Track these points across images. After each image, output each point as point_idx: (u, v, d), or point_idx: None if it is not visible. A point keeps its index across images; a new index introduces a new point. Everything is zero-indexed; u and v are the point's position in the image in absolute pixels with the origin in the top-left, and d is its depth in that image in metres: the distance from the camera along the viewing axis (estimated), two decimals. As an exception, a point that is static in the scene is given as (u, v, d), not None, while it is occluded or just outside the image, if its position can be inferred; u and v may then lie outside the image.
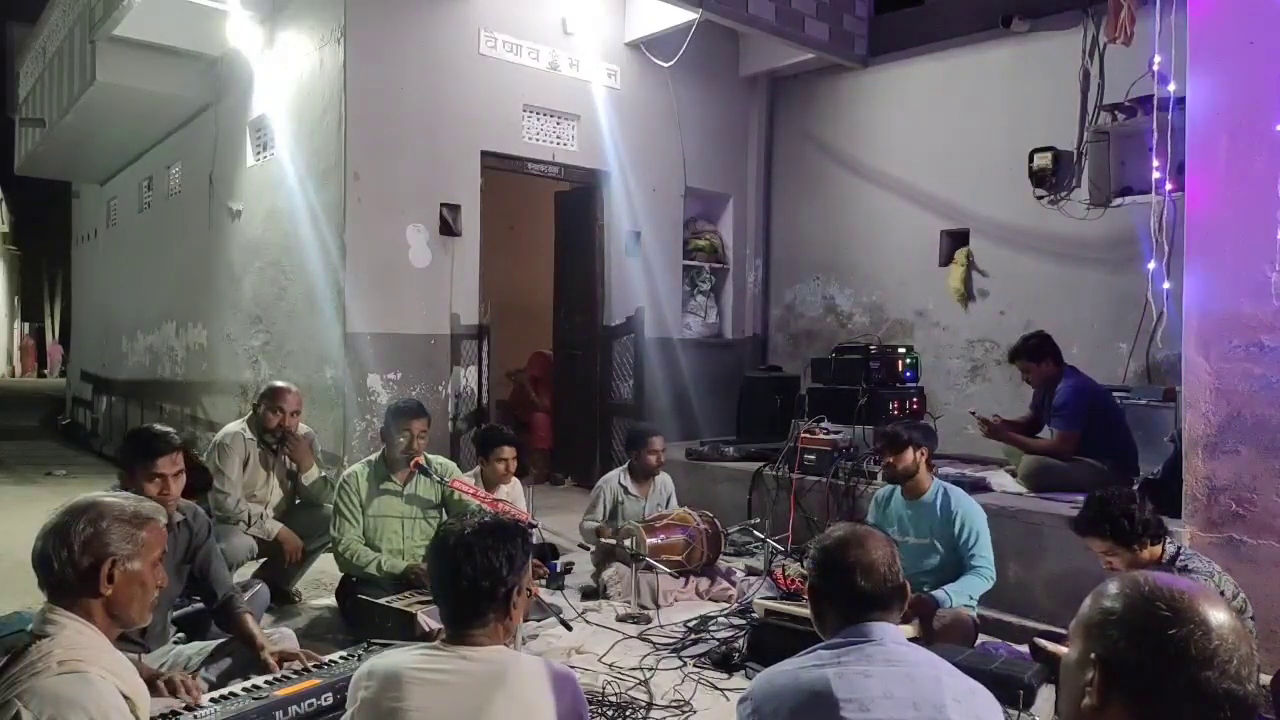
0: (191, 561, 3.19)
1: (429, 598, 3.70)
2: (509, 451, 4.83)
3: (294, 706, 2.58)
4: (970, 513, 4.07)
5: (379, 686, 1.87)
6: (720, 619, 4.40)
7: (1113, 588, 1.16)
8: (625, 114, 7.66)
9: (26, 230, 32.17)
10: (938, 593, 3.88)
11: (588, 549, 5.07)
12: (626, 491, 5.21)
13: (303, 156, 6.68)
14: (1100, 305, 6.40)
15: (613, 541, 4.77)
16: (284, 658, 2.88)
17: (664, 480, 5.39)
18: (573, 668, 3.43)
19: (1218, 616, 1.08)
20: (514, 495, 4.91)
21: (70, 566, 1.76)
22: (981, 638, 3.98)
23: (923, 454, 4.18)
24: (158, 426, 3.32)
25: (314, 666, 2.84)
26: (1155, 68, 4.97)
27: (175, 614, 3.33)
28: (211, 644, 3.09)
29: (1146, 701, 1.08)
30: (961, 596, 3.92)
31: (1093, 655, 1.12)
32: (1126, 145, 6.38)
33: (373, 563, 4.19)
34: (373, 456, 4.49)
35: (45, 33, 10.41)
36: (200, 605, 3.44)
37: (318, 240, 6.43)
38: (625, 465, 5.33)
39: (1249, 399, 3.83)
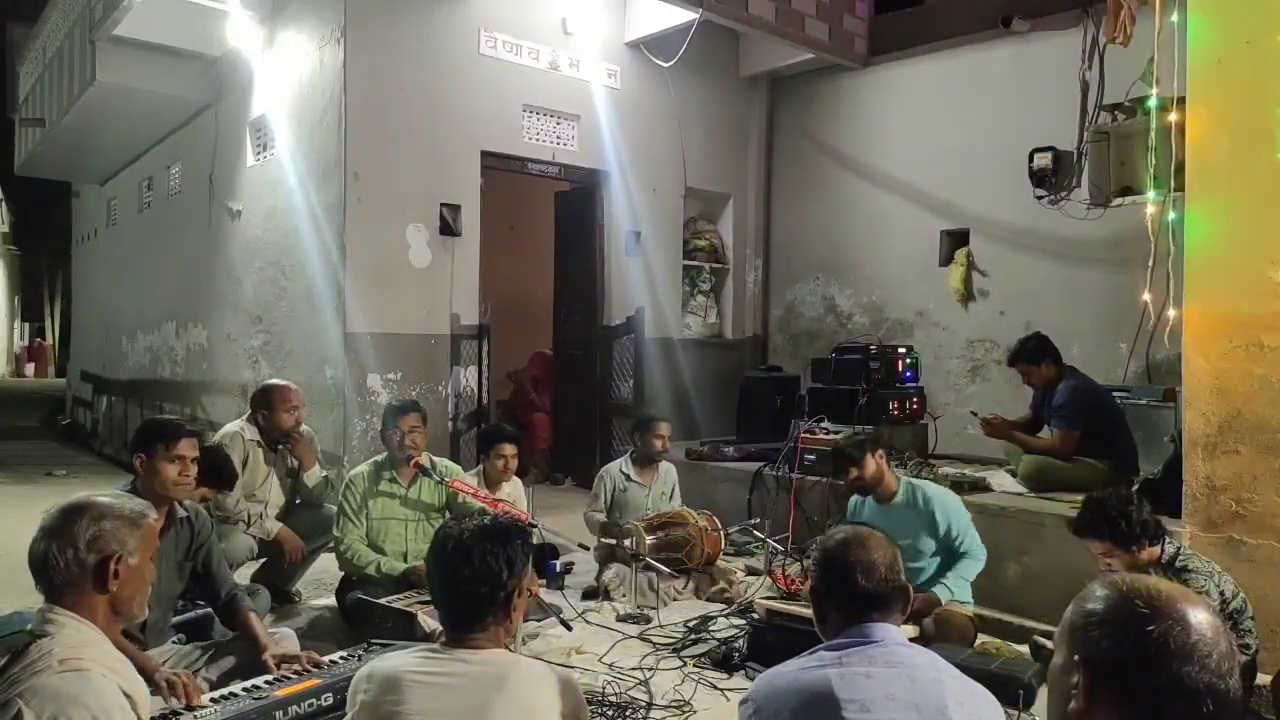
0: (194, 560, 3.19)
1: (429, 598, 3.70)
2: (509, 449, 4.87)
3: (294, 706, 2.59)
4: (950, 507, 4.07)
5: (378, 689, 1.87)
6: (720, 619, 4.40)
7: (1093, 591, 1.19)
8: (625, 114, 7.66)
9: (26, 230, 32.12)
10: (937, 589, 3.90)
11: (587, 548, 5.08)
12: (629, 479, 5.26)
13: (303, 156, 6.68)
14: (1100, 305, 6.40)
15: (613, 541, 4.78)
16: (284, 660, 2.88)
17: (668, 469, 5.44)
18: (572, 668, 3.46)
19: (1196, 614, 1.10)
20: (515, 495, 4.93)
21: (78, 565, 1.78)
22: (981, 638, 3.98)
23: (880, 455, 4.16)
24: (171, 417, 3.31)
25: (314, 667, 2.84)
26: (1155, 67, 4.96)
27: (177, 619, 3.32)
28: (213, 644, 3.09)
29: (1131, 700, 1.09)
30: (960, 585, 3.94)
31: (1077, 658, 1.14)
32: (1126, 145, 6.38)
33: (373, 564, 4.21)
34: (378, 458, 4.50)
35: (45, 33, 10.40)
36: (203, 610, 3.44)
37: (318, 240, 6.43)
38: (629, 453, 5.37)
39: (1249, 399, 3.83)
